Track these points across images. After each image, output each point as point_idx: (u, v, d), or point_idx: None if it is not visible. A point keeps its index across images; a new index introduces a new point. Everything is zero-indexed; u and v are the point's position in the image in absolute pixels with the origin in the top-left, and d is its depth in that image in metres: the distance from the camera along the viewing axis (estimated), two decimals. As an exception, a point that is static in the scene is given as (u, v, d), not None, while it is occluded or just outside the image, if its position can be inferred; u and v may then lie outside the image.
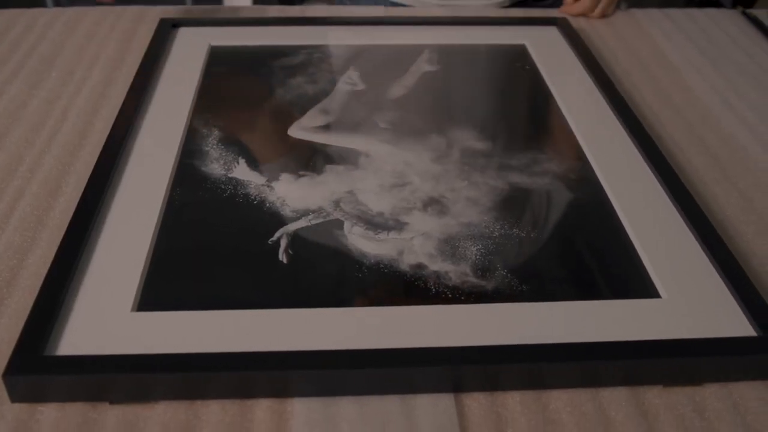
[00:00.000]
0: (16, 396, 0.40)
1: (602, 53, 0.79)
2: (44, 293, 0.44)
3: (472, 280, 0.47)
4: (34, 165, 0.59)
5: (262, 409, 0.40)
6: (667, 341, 0.42)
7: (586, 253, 0.50)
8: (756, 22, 0.87)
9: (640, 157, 0.59)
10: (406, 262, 0.48)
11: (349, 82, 0.69)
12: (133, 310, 0.44)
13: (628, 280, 0.47)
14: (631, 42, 0.82)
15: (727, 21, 0.88)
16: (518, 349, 0.41)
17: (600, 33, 0.84)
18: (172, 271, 0.47)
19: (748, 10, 0.90)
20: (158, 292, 0.45)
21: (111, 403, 0.40)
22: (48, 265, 0.46)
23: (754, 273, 0.51)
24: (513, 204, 0.54)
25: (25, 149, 0.61)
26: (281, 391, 0.40)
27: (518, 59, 0.75)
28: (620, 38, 0.83)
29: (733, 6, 1.00)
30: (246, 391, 0.40)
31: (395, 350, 0.40)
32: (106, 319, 0.43)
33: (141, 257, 0.47)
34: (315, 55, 0.74)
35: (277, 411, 0.40)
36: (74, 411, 0.40)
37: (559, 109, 0.65)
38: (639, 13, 0.89)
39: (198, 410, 0.40)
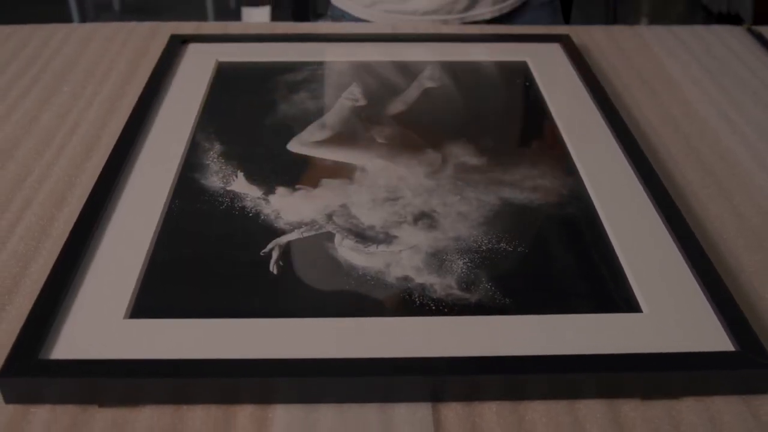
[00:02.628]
0: (9, 397, 0.42)
1: (604, 69, 0.80)
2: (42, 299, 0.45)
3: (457, 292, 0.48)
4: (42, 176, 0.62)
5: (245, 415, 0.41)
6: (644, 355, 0.43)
7: (572, 268, 0.50)
8: (760, 39, 0.87)
9: (632, 173, 0.59)
10: (393, 275, 0.49)
11: (350, 97, 0.71)
12: (126, 317, 0.45)
13: (611, 294, 0.48)
14: (634, 58, 0.83)
15: (731, 38, 0.88)
16: (495, 360, 0.42)
17: (603, 49, 0.85)
18: (166, 280, 0.49)
19: (754, 27, 0.90)
20: (151, 300, 0.47)
21: (100, 406, 0.42)
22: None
23: (741, 289, 0.51)
24: (503, 219, 0.55)
25: (34, 161, 0.64)
26: (264, 397, 0.42)
27: (519, 76, 0.76)
28: (623, 54, 0.84)
29: (754, 23, 1.00)
30: (230, 397, 0.42)
31: (374, 359, 0.42)
32: (100, 325, 0.45)
33: (137, 266, 0.49)
34: (319, 72, 0.76)
35: (259, 417, 0.41)
36: (64, 413, 0.41)
37: (555, 126, 0.66)
38: (644, 30, 0.90)
39: (183, 415, 0.41)
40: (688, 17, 2.95)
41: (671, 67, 0.81)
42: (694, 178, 0.63)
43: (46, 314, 0.44)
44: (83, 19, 2.45)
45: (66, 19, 2.48)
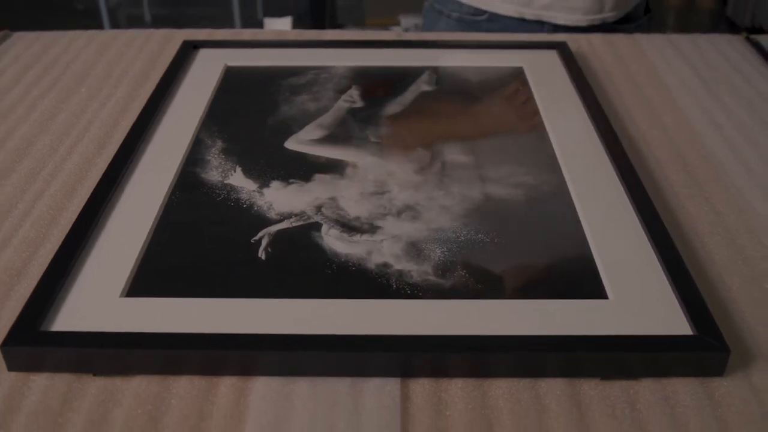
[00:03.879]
0: (12, 365, 0.45)
1: (599, 75, 0.82)
2: (46, 277, 0.49)
3: (432, 278, 0.50)
4: (55, 170, 0.66)
5: (226, 385, 0.45)
6: (603, 336, 0.45)
7: (545, 257, 0.53)
8: (758, 48, 0.89)
9: (613, 172, 0.62)
10: (374, 262, 0.52)
11: (348, 99, 0.74)
12: (122, 295, 0.49)
13: (580, 283, 0.51)
14: (630, 65, 0.85)
15: (729, 46, 0.90)
16: (461, 339, 0.45)
17: (600, 56, 0.87)
18: (162, 263, 0.52)
19: (752, 36, 0.92)
20: (147, 280, 0.50)
21: (94, 375, 0.45)
22: (55, 257, 0.52)
23: (710, 280, 0.53)
24: (483, 212, 0.57)
25: (49, 156, 0.68)
26: (244, 369, 0.45)
27: (514, 80, 0.78)
28: (620, 62, 0.86)
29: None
30: (212, 369, 0.45)
31: (346, 336, 0.45)
32: (97, 301, 0.48)
33: (135, 250, 0.53)
34: (322, 75, 0.79)
35: (239, 387, 0.44)
36: (61, 381, 0.45)
37: (544, 127, 0.69)
38: (641, 38, 0.92)
39: (169, 384, 0.45)
40: (712, 30, 2.95)
41: (665, 74, 0.83)
42: (676, 178, 0.65)
43: (48, 291, 0.48)
44: (115, 24, 2.52)
45: (97, 25, 2.56)
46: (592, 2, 1.03)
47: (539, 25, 1.05)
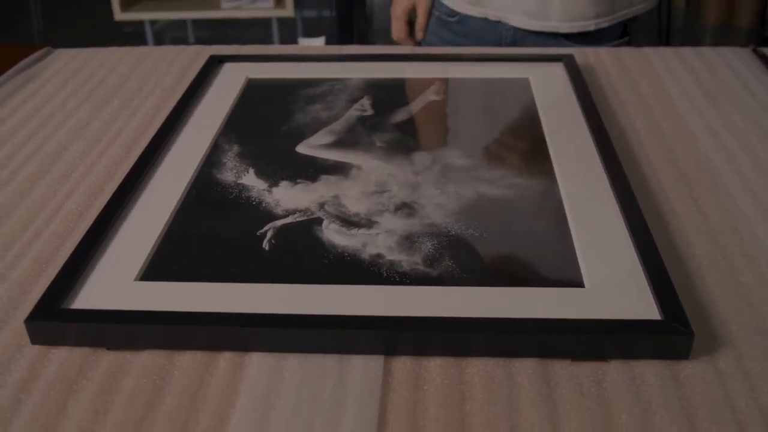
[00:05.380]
0: (35, 339, 0.50)
1: (604, 86, 0.86)
2: (69, 263, 0.54)
3: (421, 268, 0.54)
4: (86, 172, 0.71)
5: (225, 359, 0.49)
6: (572, 320, 0.48)
7: (530, 251, 0.56)
8: (764, 59, 0.91)
9: (604, 174, 0.65)
10: (368, 252, 0.56)
11: (359, 108, 0.78)
12: (136, 279, 0.54)
13: (560, 272, 0.54)
14: (634, 76, 0.88)
15: (735, 58, 0.92)
16: (440, 320, 0.48)
17: (607, 69, 0.90)
18: (174, 252, 0.57)
19: (759, 48, 0.94)
20: (159, 266, 0.55)
21: (108, 349, 0.50)
22: (80, 247, 0.57)
23: (689, 272, 0.56)
24: (476, 210, 0.61)
25: (81, 160, 0.74)
26: (242, 345, 0.49)
27: (519, 91, 0.82)
28: (625, 73, 0.89)
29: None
30: (213, 345, 0.49)
31: (334, 316, 0.48)
32: (114, 284, 0.53)
33: (152, 240, 0.58)
34: (336, 86, 0.84)
35: (237, 362, 0.49)
36: (78, 354, 0.50)
37: (543, 134, 0.72)
38: (650, 52, 0.95)
39: (174, 358, 0.49)
40: (749, 49, 2.93)
41: (669, 84, 0.86)
42: (667, 181, 0.68)
43: (71, 274, 0.53)
44: (158, 41, 2.63)
45: (142, 42, 2.67)
46: (535, 7, 1.08)
47: (502, 26, 1.13)
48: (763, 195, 0.65)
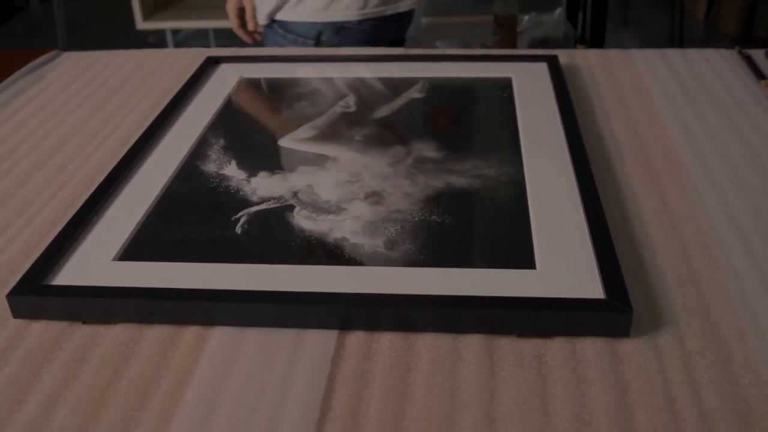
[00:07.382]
0: (17, 313, 0.54)
1: (586, 85, 0.88)
2: (52, 245, 0.58)
3: (382, 250, 0.57)
4: (81, 164, 0.75)
5: (190, 332, 0.52)
6: (517, 297, 0.51)
7: (488, 236, 0.59)
8: (748, 61, 0.92)
9: (570, 165, 0.67)
10: (333, 236, 0.59)
11: (343, 105, 0.82)
12: (114, 259, 0.57)
13: (515, 255, 0.56)
14: (617, 76, 0.90)
15: (720, 60, 0.94)
16: (391, 297, 0.51)
17: (591, 69, 0.92)
18: (153, 236, 0.60)
19: (744, 50, 0.95)
20: (137, 248, 0.59)
21: (83, 323, 0.53)
22: (67, 232, 0.61)
23: (642, 259, 0.58)
24: (441, 198, 0.63)
25: (77, 153, 0.78)
26: (206, 320, 0.52)
27: (500, 89, 0.85)
28: (608, 73, 0.91)
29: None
30: (179, 319, 0.52)
31: (291, 292, 0.51)
32: (93, 264, 0.57)
33: (132, 224, 0.61)
34: (324, 85, 0.87)
35: (201, 335, 0.52)
36: (55, 327, 0.53)
37: (517, 130, 0.75)
38: (635, 53, 0.97)
39: (144, 331, 0.52)
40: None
41: (650, 83, 0.88)
42: (634, 172, 0.70)
43: (54, 254, 0.57)
44: (179, 44, 2.68)
45: (163, 45, 2.73)
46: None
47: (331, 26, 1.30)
48: (725, 186, 0.67)
